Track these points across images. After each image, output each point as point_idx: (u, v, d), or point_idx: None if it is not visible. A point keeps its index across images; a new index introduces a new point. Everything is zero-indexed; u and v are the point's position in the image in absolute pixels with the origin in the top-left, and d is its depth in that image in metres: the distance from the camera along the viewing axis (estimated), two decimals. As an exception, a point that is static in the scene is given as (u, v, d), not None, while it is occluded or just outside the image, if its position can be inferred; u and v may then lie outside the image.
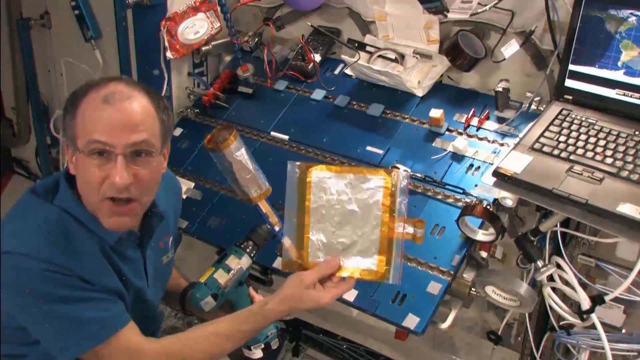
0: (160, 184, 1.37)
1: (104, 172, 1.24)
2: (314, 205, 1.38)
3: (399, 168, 1.78)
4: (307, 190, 1.38)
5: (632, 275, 1.48)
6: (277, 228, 1.51)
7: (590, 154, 1.51)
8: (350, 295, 1.58)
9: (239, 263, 1.52)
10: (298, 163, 1.39)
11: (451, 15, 1.80)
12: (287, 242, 1.52)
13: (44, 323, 1.27)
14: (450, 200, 1.70)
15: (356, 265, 1.35)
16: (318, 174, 1.38)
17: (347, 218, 1.37)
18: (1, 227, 1.31)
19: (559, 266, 1.64)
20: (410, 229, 1.33)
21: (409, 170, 1.77)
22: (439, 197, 1.72)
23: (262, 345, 1.53)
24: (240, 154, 1.40)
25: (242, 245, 1.54)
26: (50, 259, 1.23)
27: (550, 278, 1.65)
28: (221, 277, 1.49)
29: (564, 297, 1.68)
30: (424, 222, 1.34)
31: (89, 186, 1.27)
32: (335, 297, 1.34)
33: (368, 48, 2.07)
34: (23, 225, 1.29)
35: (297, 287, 1.34)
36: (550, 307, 1.69)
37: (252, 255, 1.54)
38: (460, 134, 1.84)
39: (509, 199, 1.59)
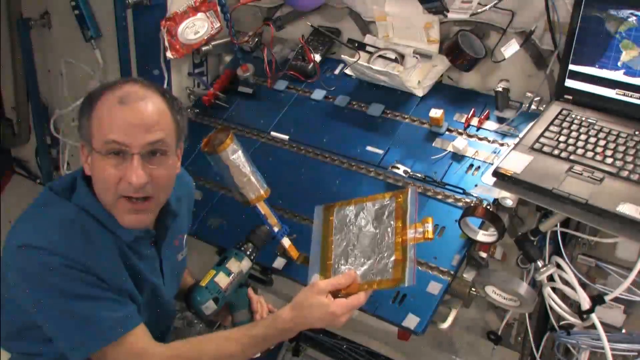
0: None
1: (120, 171, 1.26)
2: (335, 238, 1.43)
3: (398, 168, 1.78)
4: (330, 227, 1.44)
5: (632, 275, 1.48)
6: (276, 229, 1.52)
7: (590, 154, 1.51)
8: (350, 295, 1.59)
9: (240, 266, 1.52)
10: (322, 206, 1.47)
11: (451, 15, 1.80)
12: (286, 242, 1.52)
13: (56, 318, 1.27)
14: (450, 200, 1.70)
15: (373, 278, 1.36)
16: (339, 210, 1.45)
17: (365, 241, 1.40)
18: (20, 222, 1.33)
19: (559, 266, 1.64)
20: (420, 230, 1.34)
21: (409, 170, 1.77)
22: (439, 197, 1.72)
23: None
24: (236, 156, 1.40)
25: (242, 248, 1.54)
26: (68, 254, 1.24)
27: (550, 278, 1.65)
28: (222, 280, 1.50)
29: (564, 297, 1.68)
30: (431, 218, 1.35)
31: (105, 185, 1.28)
32: (345, 309, 1.31)
33: (368, 48, 2.07)
34: (42, 221, 1.30)
35: (308, 292, 1.34)
36: (550, 307, 1.69)
37: (252, 257, 1.55)
38: (460, 134, 1.84)
39: (509, 199, 1.59)
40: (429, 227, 1.34)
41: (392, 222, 1.38)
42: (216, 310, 1.50)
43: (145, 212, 1.33)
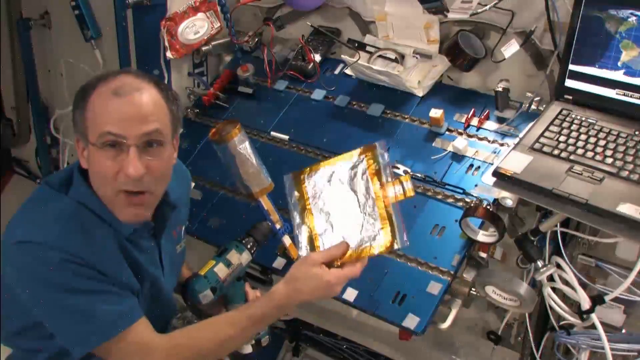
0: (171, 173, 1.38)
1: (117, 164, 1.25)
2: (313, 204, 1.40)
3: (398, 168, 1.78)
4: (305, 195, 1.41)
5: (632, 275, 1.48)
6: (278, 226, 1.52)
7: (590, 154, 1.50)
8: (350, 295, 1.59)
9: (240, 258, 1.53)
10: (290, 174, 1.44)
11: (451, 15, 1.80)
12: (287, 240, 1.52)
13: (58, 314, 1.27)
14: (450, 200, 1.70)
15: (364, 244, 1.34)
16: (309, 176, 1.42)
17: (345, 204, 1.38)
18: (17, 218, 1.32)
19: (559, 266, 1.64)
20: (399, 189, 1.33)
21: (409, 170, 1.77)
22: (439, 197, 1.72)
23: (253, 341, 1.53)
24: (243, 147, 1.42)
25: (244, 241, 1.55)
26: (67, 249, 1.23)
27: (550, 278, 1.65)
28: (221, 271, 1.50)
29: (564, 297, 1.68)
30: (408, 176, 1.34)
31: (103, 179, 1.28)
32: (341, 279, 1.29)
33: (368, 48, 2.07)
34: (39, 216, 1.29)
35: (302, 265, 1.32)
36: (550, 307, 1.69)
37: (252, 251, 1.55)
38: (460, 134, 1.84)
39: (509, 199, 1.59)
40: (408, 184, 1.33)
41: (368, 181, 1.37)
42: (213, 300, 1.49)
43: (143, 206, 1.32)
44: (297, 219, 1.41)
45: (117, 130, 1.23)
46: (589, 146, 1.52)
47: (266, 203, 1.49)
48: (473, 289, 1.65)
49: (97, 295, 1.26)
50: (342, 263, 1.33)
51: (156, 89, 1.30)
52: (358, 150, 1.40)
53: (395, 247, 1.32)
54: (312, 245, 1.38)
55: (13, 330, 1.40)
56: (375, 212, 1.35)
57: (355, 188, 1.38)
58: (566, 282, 1.63)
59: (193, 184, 1.95)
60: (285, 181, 1.45)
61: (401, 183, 1.33)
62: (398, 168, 1.78)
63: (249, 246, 1.55)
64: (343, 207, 1.38)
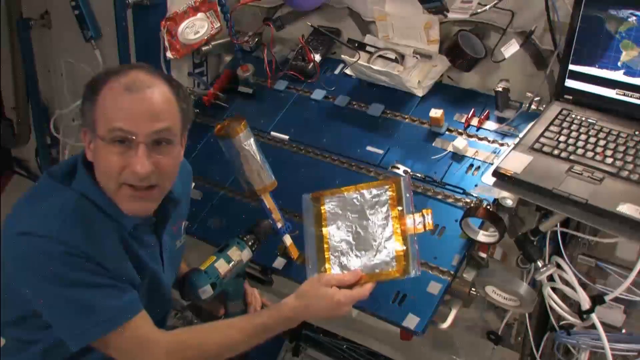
0: None
1: (124, 160, 1.25)
2: (330, 226, 1.42)
3: (398, 168, 1.78)
4: (322, 218, 1.43)
5: (632, 275, 1.48)
6: (279, 225, 1.52)
7: (590, 154, 1.51)
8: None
9: (240, 255, 1.53)
10: (310, 195, 1.46)
11: (451, 15, 1.81)
12: (287, 240, 1.53)
13: (57, 307, 1.26)
14: (450, 200, 1.70)
15: (376, 270, 1.36)
16: (329, 198, 1.45)
17: (361, 230, 1.40)
18: (19, 209, 1.32)
19: (559, 266, 1.64)
20: (419, 220, 1.35)
21: (409, 170, 1.77)
22: (439, 197, 1.72)
23: None
24: (248, 143, 1.42)
25: (245, 238, 1.55)
26: (68, 242, 1.23)
27: (550, 278, 1.65)
28: (222, 266, 1.50)
29: (564, 297, 1.68)
30: (430, 210, 1.36)
31: (108, 173, 1.27)
32: (350, 299, 1.33)
33: (368, 48, 2.07)
34: (41, 208, 1.28)
35: (314, 283, 1.35)
36: (550, 307, 1.69)
37: (253, 248, 1.55)
38: (460, 134, 1.84)
39: (509, 199, 1.59)
40: (429, 218, 1.35)
41: (388, 211, 1.38)
42: (212, 295, 1.49)
43: (149, 200, 1.32)
44: (312, 239, 1.42)
45: (127, 126, 1.23)
46: (589, 146, 1.52)
47: (268, 201, 1.50)
48: (473, 289, 1.65)
49: (97, 289, 1.26)
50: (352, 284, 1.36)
51: (168, 86, 1.29)
52: (383, 182, 1.43)
53: (408, 275, 1.34)
54: (323, 263, 1.40)
55: (10, 320, 1.40)
56: (392, 239, 1.36)
57: (374, 215, 1.40)
58: (566, 282, 1.63)
59: (193, 184, 1.95)
60: (304, 201, 1.46)
61: (423, 216, 1.36)
62: (398, 168, 1.78)
63: (250, 243, 1.55)
64: (360, 232, 1.40)
